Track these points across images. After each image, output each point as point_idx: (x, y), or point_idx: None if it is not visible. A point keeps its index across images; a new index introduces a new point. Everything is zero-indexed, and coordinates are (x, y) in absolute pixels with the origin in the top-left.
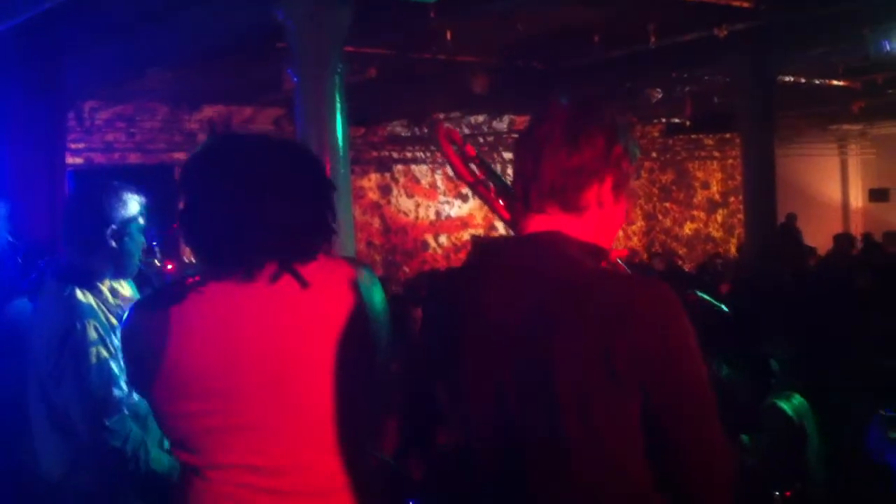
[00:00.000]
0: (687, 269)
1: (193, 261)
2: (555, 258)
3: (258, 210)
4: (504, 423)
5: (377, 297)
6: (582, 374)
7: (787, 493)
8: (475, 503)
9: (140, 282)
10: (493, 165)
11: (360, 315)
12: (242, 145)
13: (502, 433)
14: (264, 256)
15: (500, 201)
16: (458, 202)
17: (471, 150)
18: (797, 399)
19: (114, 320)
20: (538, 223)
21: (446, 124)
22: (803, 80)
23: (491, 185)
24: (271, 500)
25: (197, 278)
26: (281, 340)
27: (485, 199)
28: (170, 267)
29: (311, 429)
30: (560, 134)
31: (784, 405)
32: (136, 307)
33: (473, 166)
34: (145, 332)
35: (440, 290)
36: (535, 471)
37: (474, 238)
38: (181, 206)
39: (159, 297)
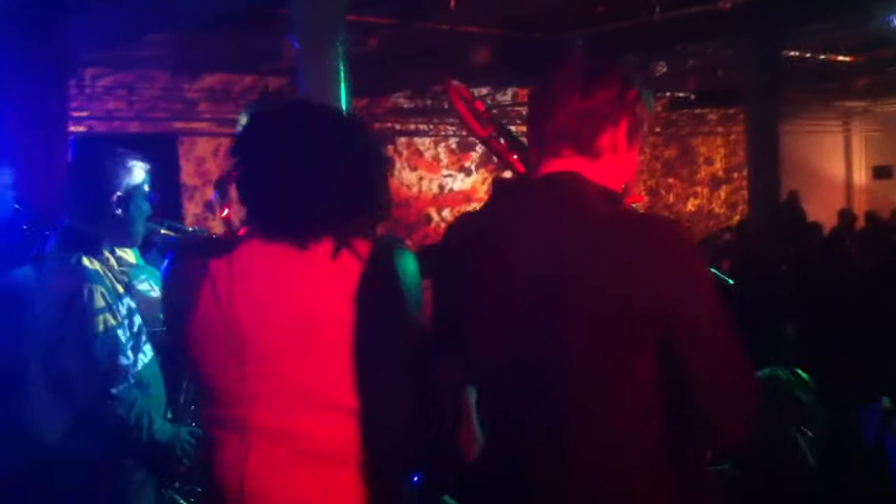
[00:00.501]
0: None
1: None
2: (573, 197)
3: (316, 182)
4: (513, 358)
5: (411, 272)
6: (596, 304)
7: None
8: (491, 456)
9: (144, 249)
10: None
11: (393, 290)
12: (304, 115)
13: (510, 369)
14: (319, 229)
15: (514, 156)
16: (461, 175)
17: (480, 105)
18: (799, 373)
19: (120, 288)
20: (554, 165)
21: (455, 81)
22: (808, 56)
23: (502, 139)
24: (296, 458)
25: (243, 231)
26: (314, 305)
27: (498, 153)
28: (226, 212)
29: (333, 393)
30: (574, 79)
31: (782, 374)
32: (180, 252)
33: (484, 121)
34: (185, 276)
35: (460, 229)
36: (537, 409)
37: (495, 180)
38: (237, 170)
39: (206, 245)
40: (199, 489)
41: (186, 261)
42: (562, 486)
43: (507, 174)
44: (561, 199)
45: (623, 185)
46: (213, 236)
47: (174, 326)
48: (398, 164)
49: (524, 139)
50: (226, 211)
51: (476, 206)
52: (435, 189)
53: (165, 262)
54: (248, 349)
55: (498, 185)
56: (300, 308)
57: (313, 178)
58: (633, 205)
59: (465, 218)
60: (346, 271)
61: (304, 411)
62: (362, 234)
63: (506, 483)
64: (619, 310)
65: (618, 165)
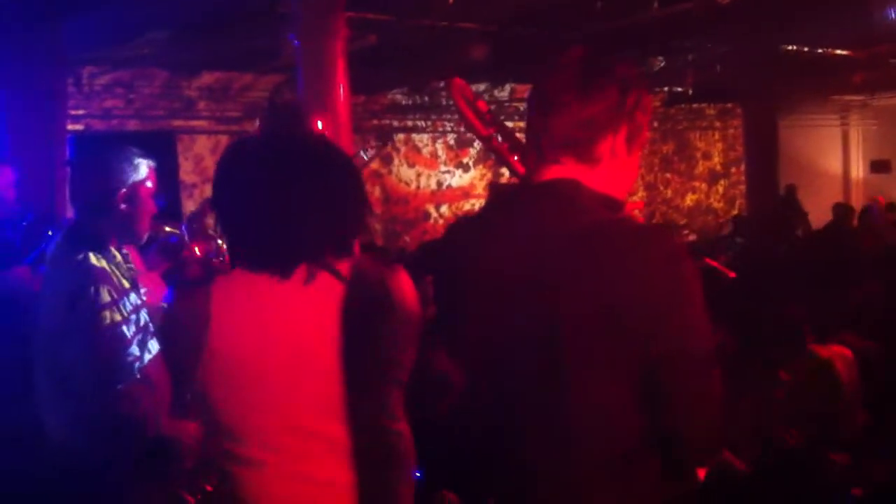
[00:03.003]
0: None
1: (219, 238)
2: (569, 205)
3: (292, 211)
4: (506, 366)
5: (409, 296)
6: (586, 319)
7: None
8: (477, 451)
9: (144, 247)
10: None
11: (388, 314)
12: (278, 144)
13: (503, 377)
14: (299, 258)
15: (514, 157)
16: (459, 172)
17: (483, 105)
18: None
19: (126, 283)
20: (553, 172)
21: (458, 79)
22: (806, 50)
23: (503, 139)
24: (310, 487)
25: (227, 263)
26: (310, 330)
27: (498, 153)
28: (197, 250)
29: (340, 414)
30: (572, 84)
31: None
32: (178, 294)
33: (486, 121)
34: (187, 317)
35: (457, 234)
36: (532, 415)
37: (492, 184)
38: (215, 197)
39: (200, 284)
40: (207, 487)
41: (185, 300)
42: (555, 482)
43: (505, 175)
44: (556, 208)
45: (625, 191)
46: (207, 273)
47: (184, 367)
48: (396, 161)
49: (524, 135)
50: (197, 248)
51: (475, 202)
52: (433, 185)
53: (167, 300)
54: (245, 382)
55: (495, 191)
56: (288, 337)
57: (291, 209)
58: (635, 211)
59: (462, 223)
60: (329, 295)
61: (301, 440)
62: (343, 256)
63: (500, 478)
64: (606, 320)
65: (618, 171)
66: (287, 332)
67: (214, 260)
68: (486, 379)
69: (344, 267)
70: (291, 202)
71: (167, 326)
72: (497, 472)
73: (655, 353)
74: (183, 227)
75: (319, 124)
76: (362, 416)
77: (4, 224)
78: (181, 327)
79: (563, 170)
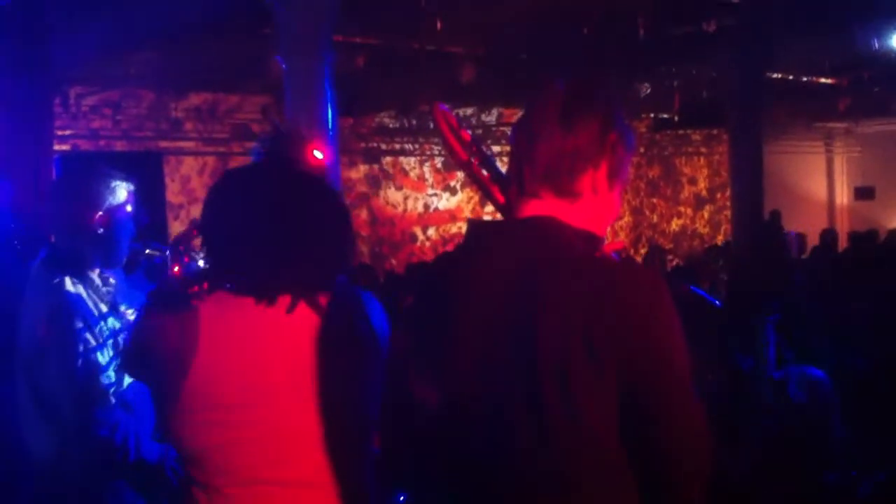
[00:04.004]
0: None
1: (200, 260)
2: (547, 241)
3: (278, 241)
4: (486, 398)
5: (381, 320)
6: (562, 350)
7: None
8: (458, 479)
9: (129, 270)
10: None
11: (366, 339)
12: (269, 174)
13: (483, 407)
14: (283, 286)
15: (495, 187)
16: (446, 195)
17: (466, 135)
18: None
19: (104, 307)
20: (533, 208)
21: (442, 106)
22: (791, 77)
23: (484, 169)
24: None
25: (206, 286)
26: (291, 358)
27: (479, 182)
28: (176, 269)
29: (318, 443)
30: (555, 116)
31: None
32: (150, 316)
33: (468, 149)
34: (163, 342)
35: (433, 270)
36: (516, 443)
37: (470, 221)
38: (204, 222)
39: (175, 305)
40: None
41: (160, 324)
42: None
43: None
44: (535, 246)
45: (605, 228)
46: (184, 294)
47: (160, 391)
48: (383, 183)
49: (507, 165)
50: (176, 268)
51: (461, 225)
52: (420, 208)
53: (135, 325)
54: (224, 407)
55: (474, 228)
56: (265, 363)
57: (276, 236)
58: (618, 251)
59: (440, 261)
60: (305, 323)
61: (280, 467)
62: (324, 286)
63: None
64: (581, 355)
65: (599, 207)
66: (269, 360)
67: (194, 285)
68: (466, 406)
69: (325, 297)
70: (281, 232)
71: (137, 351)
72: (478, 496)
73: (630, 385)
74: (167, 249)
75: (318, 154)
76: (344, 446)
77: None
78: (154, 353)
79: (542, 205)
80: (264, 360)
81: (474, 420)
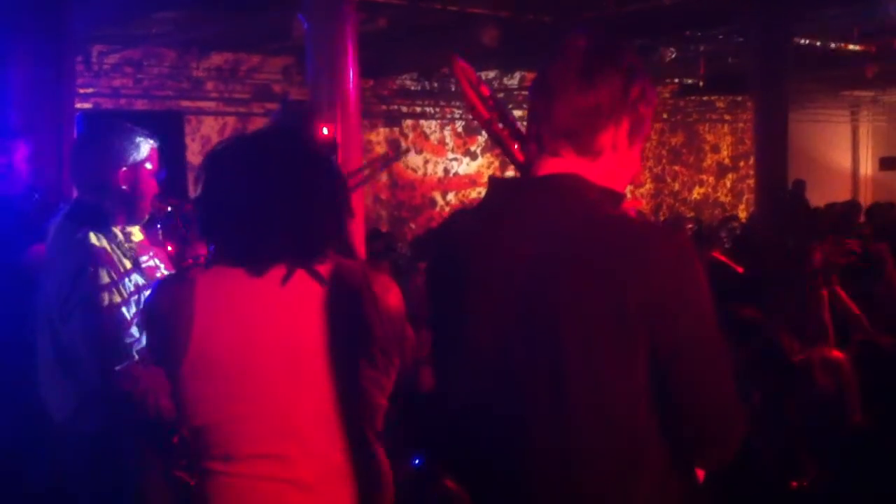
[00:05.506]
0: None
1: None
2: (570, 200)
3: (273, 210)
4: (506, 366)
5: (393, 300)
6: (589, 316)
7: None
8: (472, 454)
9: (147, 226)
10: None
11: (368, 316)
12: (265, 144)
13: (504, 377)
14: (276, 256)
15: (515, 144)
16: (466, 159)
17: (485, 90)
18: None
19: (128, 263)
20: (552, 166)
21: (462, 61)
22: (818, 44)
23: (504, 126)
24: (289, 489)
25: (203, 261)
26: (291, 332)
27: (499, 139)
28: (170, 248)
29: (320, 419)
30: (575, 73)
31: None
32: (160, 287)
33: (488, 105)
34: (170, 313)
35: (453, 228)
36: (535, 416)
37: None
38: (198, 192)
39: (181, 278)
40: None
41: (168, 295)
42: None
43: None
44: (558, 204)
45: (625, 185)
46: (188, 268)
47: (167, 361)
48: (403, 146)
49: (526, 125)
50: (169, 247)
51: (481, 190)
52: (440, 172)
53: (148, 297)
54: (226, 380)
55: (494, 185)
56: (270, 338)
57: (272, 207)
58: (637, 209)
59: (459, 217)
60: (309, 297)
61: (282, 441)
62: (322, 258)
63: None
64: (611, 320)
65: (619, 165)
66: (268, 333)
67: (189, 258)
68: (488, 375)
69: (325, 269)
70: (264, 200)
71: (148, 322)
72: (498, 464)
73: (664, 351)
74: (159, 227)
75: (325, 130)
76: (345, 422)
77: (19, 198)
78: (162, 323)
79: (562, 163)
80: (259, 332)
81: (493, 393)
